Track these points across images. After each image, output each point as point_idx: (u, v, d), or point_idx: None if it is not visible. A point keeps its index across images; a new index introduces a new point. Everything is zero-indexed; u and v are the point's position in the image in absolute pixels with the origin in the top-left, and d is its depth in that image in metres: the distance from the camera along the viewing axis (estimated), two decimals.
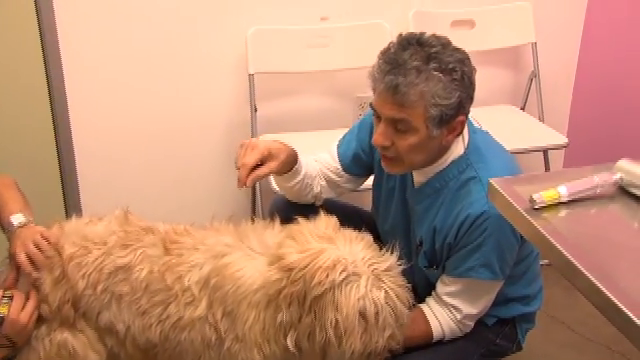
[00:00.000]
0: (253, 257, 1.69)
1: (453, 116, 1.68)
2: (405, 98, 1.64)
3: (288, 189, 1.95)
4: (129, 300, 1.76)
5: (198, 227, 1.84)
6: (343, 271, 1.55)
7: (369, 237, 1.66)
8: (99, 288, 1.77)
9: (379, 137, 1.73)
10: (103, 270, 1.77)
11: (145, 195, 2.86)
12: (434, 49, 1.65)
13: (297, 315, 1.58)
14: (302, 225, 1.68)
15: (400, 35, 1.71)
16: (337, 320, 1.55)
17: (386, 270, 1.60)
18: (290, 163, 1.84)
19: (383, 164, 1.81)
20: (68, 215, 2.40)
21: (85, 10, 2.59)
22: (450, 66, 1.64)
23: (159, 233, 1.81)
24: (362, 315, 1.56)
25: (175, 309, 1.72)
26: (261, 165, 1.76)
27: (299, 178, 1.90)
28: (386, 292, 1.58)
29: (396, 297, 1.60)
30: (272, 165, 1.77)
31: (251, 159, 1.73)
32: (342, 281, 1.55)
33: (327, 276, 1.54)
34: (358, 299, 1.55)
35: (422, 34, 1.70)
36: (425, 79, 1.63)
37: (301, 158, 1.89)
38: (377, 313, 1.57)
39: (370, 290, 1.57)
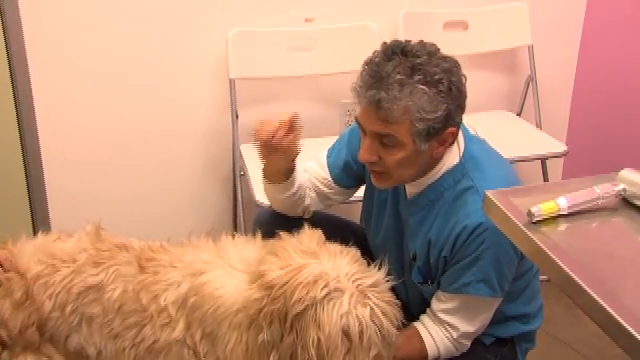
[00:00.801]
0: (233, 274, 1.68)
1: (441, 129, 1.68)
2: (389, 114, 1.64)
3: (281, 201, 1.95)
4: (101, 322, 1.74)
5: (175, 243, 1.83)
6: (325, 287, 1.54)
7: (355, 251, 1.65)
8: (68, 309, 1.75)
9: (365, 153, 1.73)
10: (72, 290, 1.75)
11: (119, 208, 2.85)
12: (419, 60, 1.65)
13: (279, 335, 1.56)
14: (285, 240, 1.67)
15: (384, 44, 1.71)
16: (319, 339, 1.53)
17: (372, 286, 1.59)
18: (289, 170, 1.85)
19: (372, 179, 1.82)
20: (35, 230, 2.39)
21: (54, 10, 2.58)
22: (436, 77, 1.64)
23: (134, 250, 1.80)
24: (345, 334, 1.54)
25: (150, 331, 1.70)
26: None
27: (294, 189, 1.91)
28: (371, 309, 1.56)
29: (382, 314, 1.58)
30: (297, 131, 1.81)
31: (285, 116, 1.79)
32: (324, 297, 1.54)
33: (307, 292, 1.53)
34: (341, 316, 1.53)
35: (407, 42, 1.70)
36: (409, 93, 1.63)
37: (298, 170, 1.91)
38: (362, 332, 1.55)
39: (354, 307, 1.55)
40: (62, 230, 1.91)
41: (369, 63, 1.69)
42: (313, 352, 1.53)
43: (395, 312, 1.61)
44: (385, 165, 1.72)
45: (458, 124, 1.73)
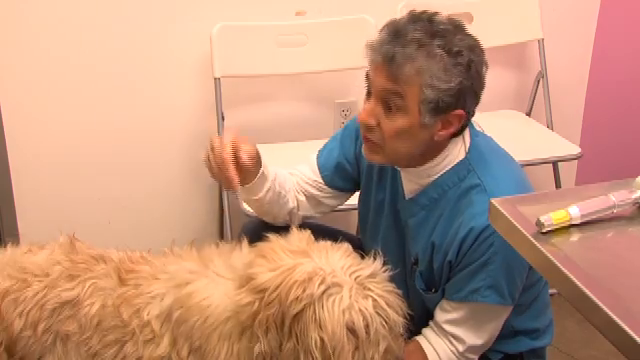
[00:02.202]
0: (220, 282, 1.68)
1: (450, 106, 1.69)
2: (400, 71, 1.66)
3: (258, 203, 1.94)
4: (77, 340, 1.74)
5: (157, 254, 1.83)
6: (322, 283, 1.54)
7: (347, 245, 1.66)
8: (40, 328, 1.75)
9: (364, 114, 1.74)
10: (45, 306, 1.75)
11: (95, 218, 2.85)
12: (443, 26, 1.68)
13: (277, 342, 1.56)
14: (273, 242, 1.67)
15: (412, 10, 1.74)
16: (322, 339, 1.53)
17: (370, 276, 1.60)
18: (257, 163, 1.84)
19: (364, 149, 1.81)
20: (3, 243, 2.37)
21: (25, 5, 2.57)
22: (456, 49, 1.66)
23: (112, 262, 1.80)
24: (350, 330, 1.55)
25: (132, 348, 1.70)
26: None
27: (268, 185, 1.89)
28: (374, 300, 1.58)
29: (386, 305, 1.59)
30: (248, 148, 1.78)
31: (227, 152, 1.73)
32: (322, 294, 1.54)
33: (304, 290, 1.53)
34: (343, 312, 1.54)
35: (435, 13, 1.73)
36: (426, 54, 1.65)
37: (267, 165, 1.89)
38: (367, 325, 1.56)
39: (355, 300, 1.55)
40: (32, 242, 1.90)
41: (390, 22, 1.73)
42: (318, 355, 1.54)
43: (399, 301, 1.63)
44: (382, 133, 1.73)
45: (468, 111, 1.73)
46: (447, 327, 1.82)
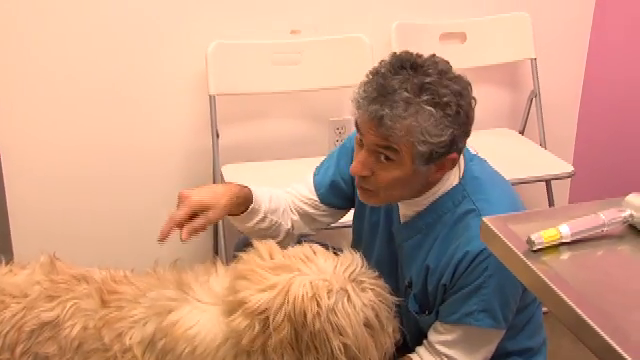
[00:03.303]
0: (203, 309, 1.67)
1: (444, 154, 1.69)
2: (390, 132, 1.65)
3: (249, 230, 1.95)
4: None
5: (139, 273, 1.83)
6: (330, 292, 1.57)
7: (317, 247, 1.69)
8: (18, 350, 1.72)
9: (358, 165, 1.74)
10: (23, 328, 1.73)
11: (88, 234, 2.84)
12: (429, 78, 1.65)
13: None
14: (247, 262, 1.67)
15: (394, 54, 1.72)
16: (346, 344, 1.57)
17: (357, 270, 1.65)
18: (240, 204, 1.86)
19: (359, 194, 1.82)
20: None
21: (23, 17, 2.58)
22: (445, 99, 1.65)
23: (94, 282, 1.78)
24: (367, 325, 1.61)
25: None
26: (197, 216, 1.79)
27: (259, 217, 1.91)
28: (372, 289, 1.63)
29: (381, 289, 1.66)
30: (210, 215, 1.79)
31: (179, 213, 1.77)
32: (335, 302, 1.57)
33: (318, 304, 1.55)
34: (357, 312, 1.58)
35: (419, 56, 1.71)
36: (414, 113, 1.63)
37: (259, 194, 1.90)
38: (377, 315, 1.63)
39: (361, 297, 1.60)
40: (25, 258, 1.89)
41: (375, 74, 1.70)
42: (344, 358, 1.58)
43: (383, 282, 1.71)
44: (376, 182, 1.73)
45: (461, 150, 1.74)
46: (440, 348, 1.81)
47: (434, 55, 1.73)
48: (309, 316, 1.54)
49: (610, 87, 3.16)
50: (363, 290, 1.62)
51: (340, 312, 1.57)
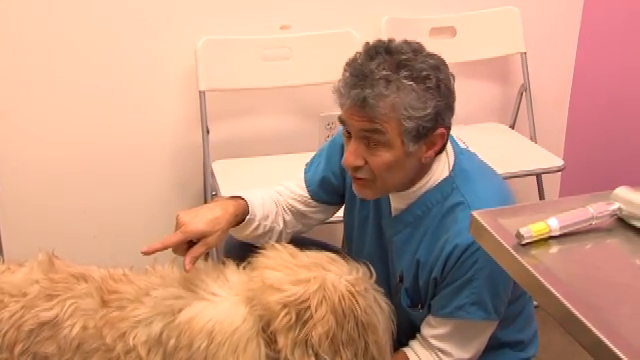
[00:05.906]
0: (220, 302, 1.67)
1: (431, 129, 1.69)
2: (375, 111, 1.65)
3: (244, 237, 1.95)
4: None
5: (139, 271, 1.82)
6: (366, 290, 1.66)
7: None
8: (17, 350, 1.72)
9: (350, 156, 1.74)
10: (22, 327, 1.72)
11: (79, 232, 2.84)
12: (404, 56, 1.67)
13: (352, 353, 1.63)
14: (273, 258, 1.70)
15: (367, 44, 1.74)
16: (377, 342, 1.65)
17: (359, 272, 1.72)
18: (238, 218, 1.86)
19: (354, 187, 1.82)
20: None
21: (14, 15, 2.57)
22: (423, 73, 1.66)
23: (94, 281, 1.77)
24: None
25: None
26: (196, 243, 1.77)
27: (254, 226, 1.91)
28: (374, 289, 1.71)
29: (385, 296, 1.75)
30: (209, 241, 1.78)
31: (173, 240, 1.75)
32: (369, 301, 1.66)
33: (357, 301, 1.62)
34: (384, 312, 1.68)
35: (391, 41, 1.73)
36: (396, 89, 1.65)
37: (253, 202, 1.90)
38: (388, 304, 1.72)
39: (378, 295, 1.70)
40: (16, 256, 1.89)
41: (351, 63, 1.71)
42: (375, 352, 1.65)
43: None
44: (371, 169, 1.73)
45: (448, 126, 1.75)
46: (433, 341, 1.82)
47: (405, 39, 1.74)
48: (357, 310, 1.59)
49: (600, 81, 3.17)
50: (375, 289, 1.70)
51: (369, 312, 1.62)
